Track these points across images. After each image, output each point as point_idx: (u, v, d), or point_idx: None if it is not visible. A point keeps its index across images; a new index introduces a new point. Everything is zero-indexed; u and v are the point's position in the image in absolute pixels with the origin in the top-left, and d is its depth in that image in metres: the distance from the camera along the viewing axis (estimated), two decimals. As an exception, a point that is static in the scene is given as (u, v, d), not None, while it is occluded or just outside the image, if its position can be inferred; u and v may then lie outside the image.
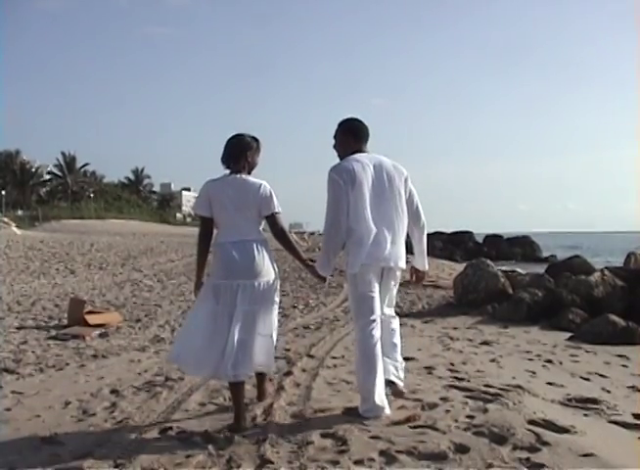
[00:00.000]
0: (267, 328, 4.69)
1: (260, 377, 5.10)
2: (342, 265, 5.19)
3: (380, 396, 4.55)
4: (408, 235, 4.95)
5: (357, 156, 4.72)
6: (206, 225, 4.86)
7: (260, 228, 4.84)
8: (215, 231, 4.89)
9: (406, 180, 4.83)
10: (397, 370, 4.91)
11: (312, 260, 5.07)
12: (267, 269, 4.71)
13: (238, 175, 4.72)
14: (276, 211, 4.74)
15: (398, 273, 4.89)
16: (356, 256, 4.59)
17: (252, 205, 4.68)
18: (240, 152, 4.74)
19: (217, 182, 4.78)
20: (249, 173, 4.79)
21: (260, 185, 4.70)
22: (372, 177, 4.63)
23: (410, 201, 4.88)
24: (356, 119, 4.88)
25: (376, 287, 4.70)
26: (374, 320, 4.65)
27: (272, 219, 4.78)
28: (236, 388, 4.59)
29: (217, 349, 4.48)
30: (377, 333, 4.65)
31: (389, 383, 4.80)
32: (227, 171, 4.81)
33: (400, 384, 4.90)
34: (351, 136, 4.82)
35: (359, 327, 4.71)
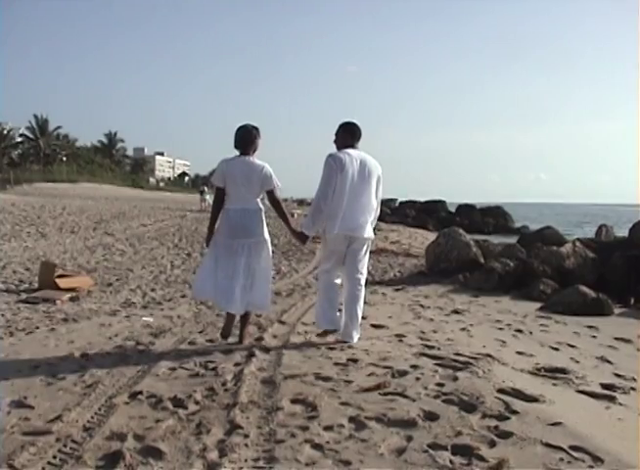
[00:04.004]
0: (263, 276, 6.10)
1: (244, 319, 6.23)
2: (318, 232, 6.30)
3: (328, 319, 6.19)
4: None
5: (350, 150, 6.07)
6: (220, 194, 6.11)
7: (259, 199, 6.10)
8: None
9: (379, 178, 6.21)
10: (354, 328, 6.19)
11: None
12: (260, 231, 6.04)
13: (246, 157, 6.02)
14: (274, 186, 6.04)
15: (364, 242, 6.19)
16: (332, 224, 6.01)
17: (256, 181, 5.96)
18: (249, 140, 6.05)
19: (230, 161, 6.03)
20: (253, 154, 6.08)
21: (263, 167, 5.99)
22: (356, 169, 5.97)
23: (377, 194, 6.25)
24: (355, 124, 6.23)
25: (342, 249, 6.13)
26: (331, 270, 6.21)
27: (271, 193, 6.09)
28: (231, 316, 6.16)
29: (225, 288, 5.92)
30: (331, 278, 6.21)
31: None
32: (237, 153, 6.06)
33: (354, 339, 6.16)
34: (349, 135, 6.18)
35: (321, 271, 6.36)
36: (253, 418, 3.99)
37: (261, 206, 6.14)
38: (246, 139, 6.05)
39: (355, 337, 6.15)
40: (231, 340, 6.26)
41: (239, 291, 5.93)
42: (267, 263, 6.19)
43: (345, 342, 6.08)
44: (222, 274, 5.97)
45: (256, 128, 6.13)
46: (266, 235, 6.12)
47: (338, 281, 6.26)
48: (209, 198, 43.46)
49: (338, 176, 5.90)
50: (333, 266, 6.21)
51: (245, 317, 6.22)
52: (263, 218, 6.10)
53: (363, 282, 6.26)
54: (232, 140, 6.12)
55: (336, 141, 6.25)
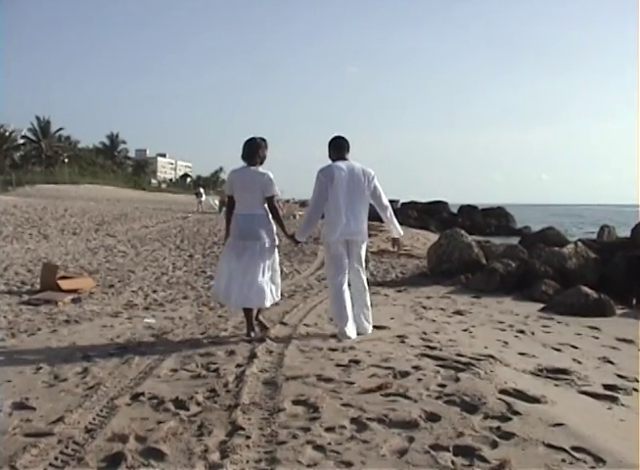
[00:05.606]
0: (269, 274, 6.62)
1: (250, 313, 6.67)
2: (320, 236, 6.70)
3: (347, 326, 6.49)
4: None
5: (338, 162, 6.64)
6: (231, 200, 6.75)
7: (265, 205, 6.62)
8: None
9: (372, 179, 6.70)
10: (367, 318, 6.80)
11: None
12: (266, 234, 6.58)
13: (252, 167, 6.58)
14: (273, 194, 6.64)
15: (360, 245, 6.76)
16: (329, 231, 6.64)
17: (259, 189, 6.53)
18: (254, 152, 6.59)
19: (238, 171, 6.65)
20: (261, 164, 6.63)
21: (265, 174, 6.55)
22: (346, 178, 6.53)
23: (377, 193, 6.76)
24: (340, 137, 6.82)
25: (343, 252, 6.68)
26: (341, 274, 6.67)
27: (270, 200, 6.64)
28: (247, 311, 6.66)
29: (235, 286, 6.47)
30: (343, 282, 6.65)
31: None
32: (245, 164, 6.61)
33: (369, 330, 6.77)
34: (337, 149, 6.75)
35: (330, 277, 6.80)
36: (255, 419, 3.99)
37: (268, 211, 6.66)
38: (252, 151, 6.59)
39: (369, 328, 6.78)
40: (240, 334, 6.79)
41: (237, 287, 6.49)
42: (272, 263, 6.74)
43: (360, 333, 6.60)
44: (230, 272, 6.54)
45: (263, 139, 6.71)
46: (273, 237, 6.70)
47: (346, 286, 6.68)
48: (205, 199, 44.78)
49: (329, 189, 6.51)
50: (338, 271, 6.69)
51: (250, 311, 6.69)
52: (270, 222, 6.67)
53: (362, 273, 6.86)
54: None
55: (329, 156, 6.81)
